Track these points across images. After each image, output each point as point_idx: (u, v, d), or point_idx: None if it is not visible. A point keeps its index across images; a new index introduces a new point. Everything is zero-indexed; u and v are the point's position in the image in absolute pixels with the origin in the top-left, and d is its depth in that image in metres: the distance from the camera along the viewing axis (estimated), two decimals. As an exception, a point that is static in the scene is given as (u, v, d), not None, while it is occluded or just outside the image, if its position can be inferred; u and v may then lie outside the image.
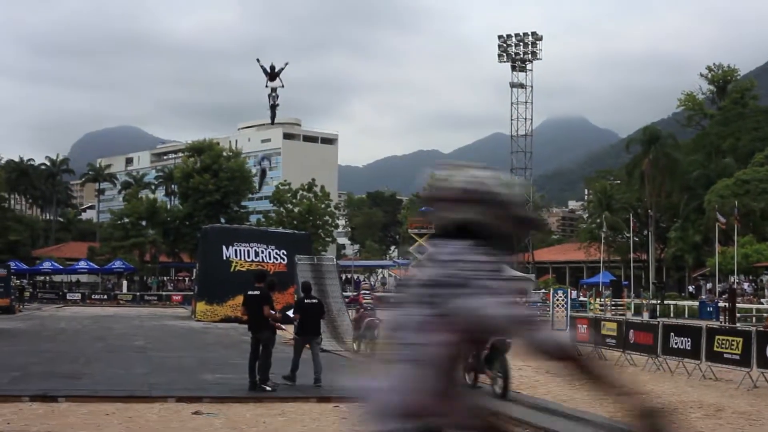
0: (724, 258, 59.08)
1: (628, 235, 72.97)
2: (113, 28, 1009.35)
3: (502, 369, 15.51)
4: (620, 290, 64.14)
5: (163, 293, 75.45)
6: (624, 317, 30.09)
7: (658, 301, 57.67)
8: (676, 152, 78.25)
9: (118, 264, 78.77)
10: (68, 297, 70.86)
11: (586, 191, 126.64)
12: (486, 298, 3.06)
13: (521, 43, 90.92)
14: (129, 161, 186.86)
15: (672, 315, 54.04)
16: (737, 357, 18.39)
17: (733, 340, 18.71)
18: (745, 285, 61.62)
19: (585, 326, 25.86)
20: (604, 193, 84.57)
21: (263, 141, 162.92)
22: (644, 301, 56.46)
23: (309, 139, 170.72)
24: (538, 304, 59.16)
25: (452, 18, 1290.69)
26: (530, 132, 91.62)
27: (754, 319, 46.74)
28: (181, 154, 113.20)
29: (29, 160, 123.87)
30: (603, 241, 69.38)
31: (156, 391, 15.60)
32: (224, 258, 42.71)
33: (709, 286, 66.84)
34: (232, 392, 15.76)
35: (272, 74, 39.57)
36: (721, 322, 41.09)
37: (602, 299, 57.69)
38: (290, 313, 17.89)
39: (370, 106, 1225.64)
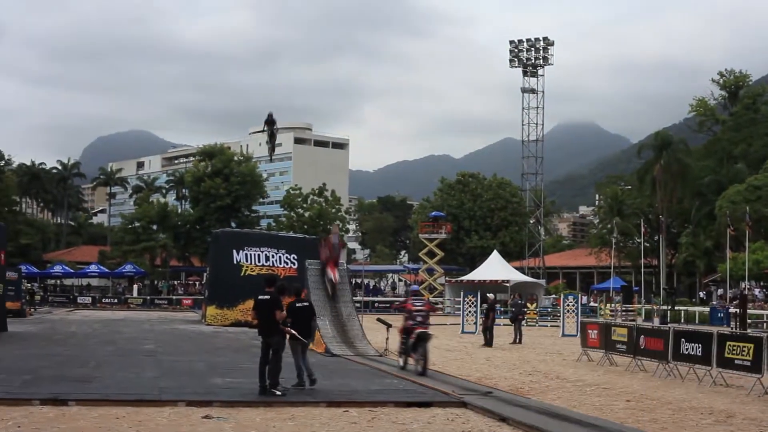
0: (735, 264, 58.87)
1: (638, 240, 72.70)
2: (125, 33, 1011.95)
3: (422, 354, 20.14)
4: (631, 296, 63.93)
5: (174, 297, 75.59)
6: (634, 323, 29.96)
7: (669, 307, 57.53)
8: (687, 158, 78.01)
9: (128, 268, 78.91)
10: (79, 301, 71.02)
11: (597, 196, 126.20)
12: None
13: (533, 48, 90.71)
14: (140, 165, 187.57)
15: (683, 321, 53.95)
16: (748, 363, 18.32)
17: (744, 346, 18.64)
18: (756, 291, 61.38)
19: (595, 332, 25.78)
20: (615, 199, 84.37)
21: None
22: (655, 307, 56.27)
23: (320, 143, 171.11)
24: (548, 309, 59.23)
25: (464, 23, 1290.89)
26: (541, 137, 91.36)
27: (765, 325, 46.63)
28: (192, 159, 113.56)
29: (41, 163, 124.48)
30: (614, 246, 69.16)
31: (166, 395, 15.62)
32: (235, 262, 42.75)
33: (720, 292, 66.63)
34: (242, 396, 15.74)
35: (269, 121, 39.52)
36: (732, 328, 40.97)
37: (613, 305, 57.52)
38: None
39: (381, 110, 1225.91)
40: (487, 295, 38.78)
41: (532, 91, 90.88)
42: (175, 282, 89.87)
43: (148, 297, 75.12)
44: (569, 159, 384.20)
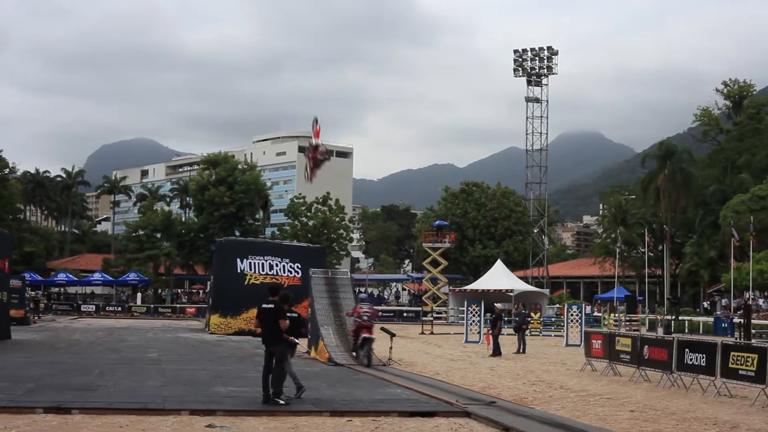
0: (739, 274, 58.79)
1: (642, 250, 72.68)
2: (130, 41, 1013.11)
3: (366, 351, 24.81)
4: (635, 305, 63.76)
5: (177, 305, 75.59)
6: (638, 333, 29.89)
7: (673, 317, 57.43)
8: (691, 167, 78.04)
9: (132, 276, 78.96)
10: (83, 309, 71.15)
11: (600, 206, 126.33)
12: None
13: (537, 58, 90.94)
14: (144, 173, 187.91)
15: (686, 331, 53.85)
16: (752, 373, 18.27)
17: (748, 357, 18.59)
18: (761, 301, 61.22)
19: (599, 342, 25.73)
20: (619, 208, 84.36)
21: (278, 154, 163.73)
22: (659, 317, 56.18)
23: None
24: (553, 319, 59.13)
25: (468, 32, 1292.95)
26: (545, 146, 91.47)
27: (769, 335, 46.47)
28: (196, 167, 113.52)
29: (45, 171, 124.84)
30: (617, 256, 69.10)
31: (169, 403, 15.61)
32: (239, 271, 42.77)
33: (724, 302, 66.45)
34: (246, 405, 15.73)
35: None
36: (736, 338, 40.86)
37: (617, 314, 57.43)
38: None
39: (385, 119, 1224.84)
40: (495, 304, 38.67)
41: (537, 100, 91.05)
42: (179, 290, 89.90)
43: (152, 305, 75.16)
44: (573, 168, 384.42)
